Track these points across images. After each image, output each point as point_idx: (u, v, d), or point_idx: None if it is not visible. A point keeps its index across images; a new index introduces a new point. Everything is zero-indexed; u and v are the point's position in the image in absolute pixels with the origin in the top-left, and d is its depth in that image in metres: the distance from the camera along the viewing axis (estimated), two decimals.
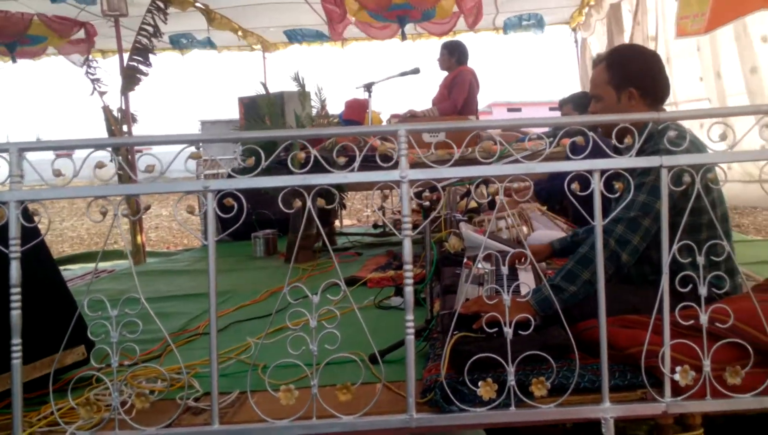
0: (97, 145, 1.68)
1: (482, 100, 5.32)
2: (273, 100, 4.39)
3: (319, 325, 1.59)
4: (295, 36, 7.71)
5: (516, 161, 1.63)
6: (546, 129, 3.53)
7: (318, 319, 1.59)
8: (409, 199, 1.66)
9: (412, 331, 1.61)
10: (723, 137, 1.40)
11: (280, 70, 8.51)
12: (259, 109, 4.45)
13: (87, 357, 2.06)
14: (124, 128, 5.12)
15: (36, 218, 1.72)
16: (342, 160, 1.67)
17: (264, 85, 4.41)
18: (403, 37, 6.35)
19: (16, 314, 1.61)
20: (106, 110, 5.07)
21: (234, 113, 6.29)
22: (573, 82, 7.77)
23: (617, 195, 1.51)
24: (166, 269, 4.29)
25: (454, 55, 4.89)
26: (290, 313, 1.58)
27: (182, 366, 1.67)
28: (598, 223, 1.52)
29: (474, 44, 5.21)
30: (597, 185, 1.51)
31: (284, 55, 8.45)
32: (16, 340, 1.61)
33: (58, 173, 1.62)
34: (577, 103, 3.53)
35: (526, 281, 2.03)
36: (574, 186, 1.51)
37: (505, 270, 1.59)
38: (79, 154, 1.82)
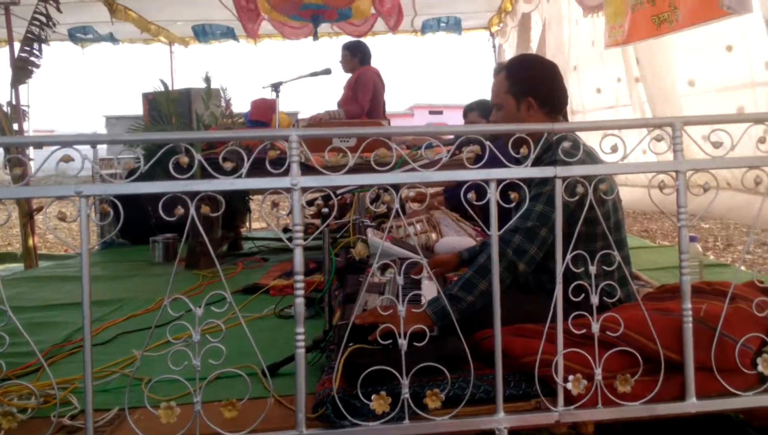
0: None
1: (403, 102, 5.35)
2: (176, 98, 4.16)
3: (204, 339, 1.49)
4: (203, 32, 7.41)
5: (412, 169, 1.58)
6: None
7: (204, 331, 1.49)
8: (300, 207, 1.58)
9: (302, 344, 1.53)
10: (614, 149, 1.40)
11: (189, 67, 8.17)
12: (160, 107, 4.20)
13: None
14: (15, 126, 4.72)
15: None
16: (228, 165, 1.56)
17: (163, 82, 4.16)
18: (315, 37, 6.21)
19: None
20: None
21: (138, 109, 5.94)
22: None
23: (514, 204, 1.49)
24: (57, 275, 4.00)
25: (356, 56, 4.84)
26: (173, 326, 1.50)
27: (53, 382, 1.53)
28: (494, 232, 1.49)
29: (394, 46, 5.19)
30: (493, 195, 1.48)
31: (194, 51, 8.14)
32: None
33: None
34: (483, 110, 3.54)
35: (429, 291, 1.98)
36: (471, 195, 1.48)
37: (400, 280, 1.54)
38: None
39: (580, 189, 1.45)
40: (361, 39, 5.65)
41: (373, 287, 2.13)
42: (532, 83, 1.89)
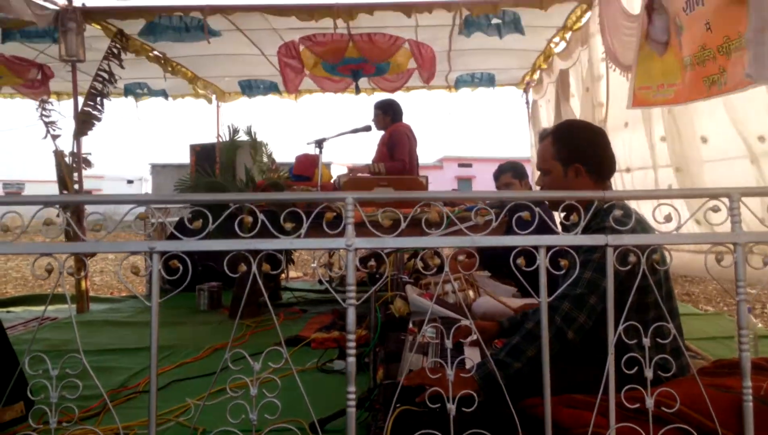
0: (47, 203, 1.57)
1: (433, 155, 5.37)
2: (229, 149, 4.28)
3: (259, 392, 1.50)
4: (248, 87, 7.67)
5: (461, 232, 1.58)
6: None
7: (259, 383, 1.50)
8: (354, 267, 1.59)
9: (353, 403, 1.52)
10: (668, 219, 1.38)
11: (232, 119, 8.43)
12: (215, 156, 4.35)
13: (26, 414, 2.00)
14: (75, 175, 4.90)
15: None
16: (289, 226, 1.60)
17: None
18: (357, 90, 6.37)
19: None
20: (58, 155, 4.86)
21: (184, 158, 6.11)
22: (524, 140, 7.96)
23: (563, 271, 1.46)
24: (109, 320, 4.08)
25: (388, 114, 4.93)
26: (231, 379, 1.52)
27: (119, 427, 1.54)
28: (544, 299, 1.47)
29: (426, 100, 5.27)
30: (543, 261, 1.46)
31: (237, 104, 8.39)
32: None
33: (5, 228, 1.52)
34: (517, 171, 3.53)
35: (471, 356, 1.95)
36: (520, 261, 1.47)
37: (449, 343, 1.52)
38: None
39: (632, 258, 1.42)
40: (392, 96, 5.79)
41: (417, 348, 2.10)
42: (581, 150, 1.88)
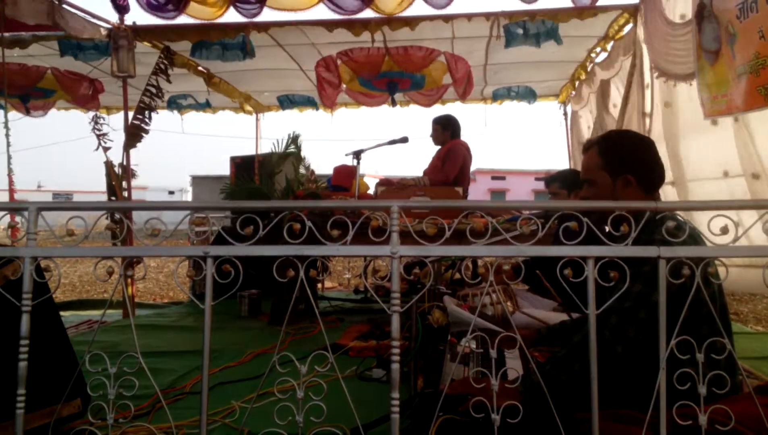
0: (109, 208, 1.63)
1: None
2: (269, 160, 4.33)
3: (305, 395, 1.54)
4: (287, 101, 7.77)
5: (506, 241, 1.55)
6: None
7: (305, 386, 1.55)
8: (399, 274, 1.58)
9: (397, 409, 1.52)
10: (724, 231, 1.32)
11: (270, 132, 8.56)
12: (253, 168, 4.42)
13: (83, 410, 2.06)
14: (124, 184, 5.03)
15: (47, 274, 1.75)
16: (335, 233, 1.60)
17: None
18: (393, 103, 6.37)
19: (23, 366, 1.61)
20: (109, 165, 5.00)
21: (223, 170, 6.20)
22: (561, 153, 7.82)
23: (612, 284, 1.42)
24: (155, 323, 4.16)
25: (447, 129, 4.85)
26: (278, 381, 1.56)
27: (172, 425, 1.65)
28: (592, 311, 1.43)
29: (460, 112, 5.23)
30: (591, 272, 1.42)
31: (275, 117, 8.52)
32: (21, 391, 1.60)
33: (71, 232, 1.61)
34: (566, 182, 3.44)
35: (514, 366, 1.90)
36: (567, 272, 1.43)
37: (493, 353, 1.49)
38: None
39: (685, 271, 1.37)
40: (442, 108, 5.73)
41: (455, 357, 2.07)
42: (630, 160, 1.82)
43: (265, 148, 8.10)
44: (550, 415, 1.45)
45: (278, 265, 1.67)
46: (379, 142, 4.12)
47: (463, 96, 5.70)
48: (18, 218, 1.71)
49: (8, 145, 5.72)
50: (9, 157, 5.76)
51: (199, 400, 1.64)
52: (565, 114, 7.61)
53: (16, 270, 1.69)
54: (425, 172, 4.77)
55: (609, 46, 5.15)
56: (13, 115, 6.93)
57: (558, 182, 3.47)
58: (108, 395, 1.59)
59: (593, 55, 5.64)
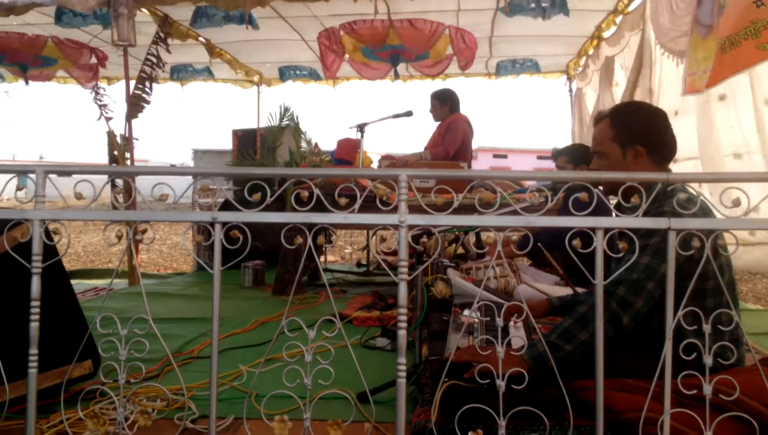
0: (116, 173, 1.63)
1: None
2: (275, 131, 4.30)
3: (313, 360, 1.58)
4: (288, 73, 7.69)
5: (515, 212, 1.55)
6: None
7: (313, 352, 1.58)
8: (407, 243, 1.59)
9: (403, 374, 1.55)
10: (737, 203, 1.31)
11: (272, 105, 8.48)
12: (255, 141, 4.39)
13: (93, 371, 2.10)
14: (126, 155, 5.02)
15: (55, 237, 1.75)
16: (343, 201, 1.61)
17: (282, 109, 4.29)
18: (396, 76, 6.30)
19: (34, 326, 1.64)
20: (111, 135, 4.99)
21: (224, 144, 6.18)
22: (564, 131, 7.74)
23: (620, 255, 1.42)
24: (161, 292, 4.19)
25: (446, 104, 4.80)
26: (286, 345, 1.61)
27: (183, 387, 1.68)
28: (599, 282, 1.43)
29: (464, 89, 5.16)
30: (600, 244, 1.42)
31: (277, 90, 8.43)
32: (34, 351, 1.64)
33: (79, 196, 1.66)
34: (573, 156, 3.43)
35: (517, 335, 1.92)
36: (576, 242, 1.43)
37: (500, 322, 1.51)
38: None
39: (695, 243, 1.37)
40: (443, 84, 5.68)
41: (461, 327, 2.10)
42: (642, 131, 1.80)
43: (264, 121, 8.04)
44: (553, 383, 1.48)
45: (286, 232, 1.68)
46: (383, 116, 4.10)
47: (465, 68, 5.64)
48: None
49: None
50: None
51: (207, 364, 1.69)
52: (571, 90, 7.49)
53: (25, 232, 1.70)
54: (427, 147, 4.75)
55: (618, 20, 5.07)
56: (12, 85, 6.88)
57: (565, 156, 3.46)
58: (119, 356, 1.63)
59: (602, 28, 5.55)
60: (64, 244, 1.78)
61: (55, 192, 1.77)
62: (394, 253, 5.44)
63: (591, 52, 6.09)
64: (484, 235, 1.64)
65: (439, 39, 5.30)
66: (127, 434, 1.64)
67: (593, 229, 1.44)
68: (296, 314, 3.29)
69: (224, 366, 2.31)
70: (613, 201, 1.64)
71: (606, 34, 5.51)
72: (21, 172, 1.79)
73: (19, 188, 1.75)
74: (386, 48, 5.74)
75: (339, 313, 3.29)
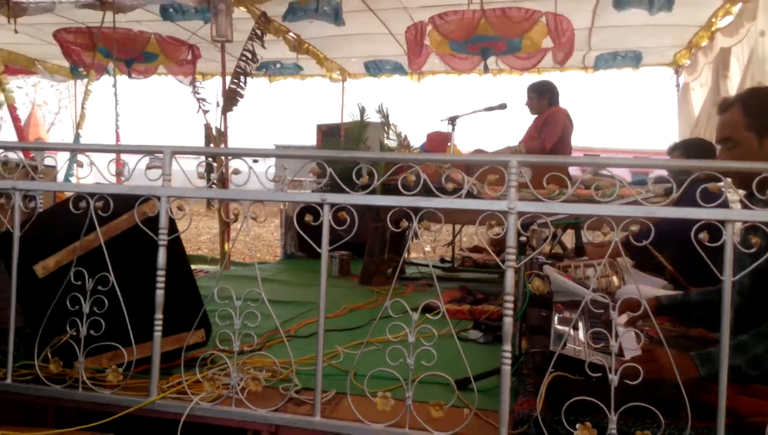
0: (234, 154, 1.79)
1: None
2: (359, 127, 4.41)
3: (416, 342, 1.69)
4: (374, 67, 7.80)
5: (635, 203, 1.53)
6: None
7: (416, 332, 1.70)
8: (515, 230, 1.62)
9: (508, 361, 1.62)
10: None
11: (357, 99, 8.62)
12: (339, 136, 4.54)
13: (205, 340, 2.29)
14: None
15: (179, 213, 1.95)
16: (451, 185, 1.66)
17: (360, 109, 4.41)
18: (485, 69, 6.23)
19: (160, 293, 1.86)
20: (207, 128, 5.30)
21: (305, 140, 6.38)
22: (665, 130, 7.34)
23: (751, 250, 1.38)
24: (253, 276, 4.36)
25: (545, 97, 4.71)
26: (390, 326, 1.71)
27: (292, 360, 1.87)
28: (728, 277, 1.40)
29: (556, 82, 5.00)
30: (730, 238, 1.39)
31: (362, 85, 8.57)
32: (159, 315, 1.85)
33: (202, 176, 1.80)
34: (688, 150, 3.28)
35: (627, 336, 1.91)
36: (703, 235, 1.40)
37: (614, 315, 1.51)
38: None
39: None
40: (535, 79, 5.56)
41: (563, 322, 2.09)
42: None
43: (348, 116, 8.20)
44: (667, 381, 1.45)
45: (392, 216, 1.75)
46: (475, 109, 4.11)
47: (563, 62, 5.49)
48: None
49: (116, 103, 6.17)
50: (117, 115, 6.21)
51: (303, 343, 1.80)
52: (677, 85, 7.09)
53: (153, 207, 1.87)
54: (522, 142, 4.68)
55: (735, 9, 4.79)
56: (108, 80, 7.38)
57: (680, 150, 3.33)
58: (234, 326, 1.79)
59: (715, 19, 5.26)
60: (187, 219, 1.94)
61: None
62: (479, 250, 5.43)
63: (703, 43, 5.75)
64: (589, 235, 1.65)
65: (533, 26, 5.18)
66: (240, 397, 1.81)
67: (722, 222, 1.41)
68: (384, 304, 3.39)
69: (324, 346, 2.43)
70: (733, 196, 1.59)
71: (721, 24, 5.21)
72: (149, 152, 1.96)
73: (148, 167, 1.92)
74: (476, 40, 5.69)
75: (427, 305, 3.35)
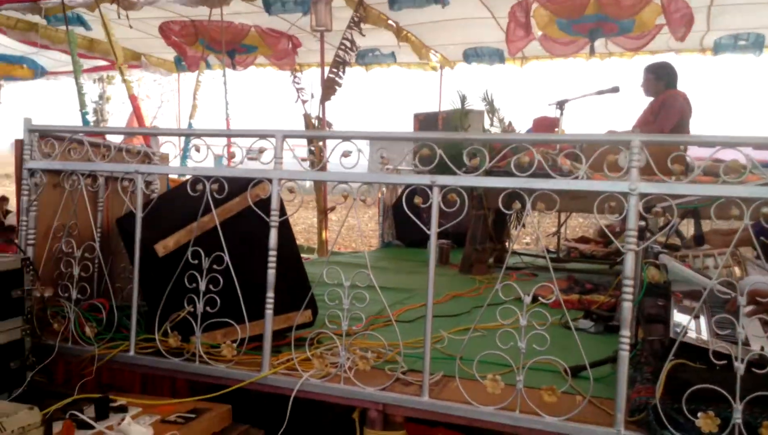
0: (344, 136, 1.85)
1: None
2: (460, 115, 4.40)
3: (527, 327, 1.71)
4: (473, 54, 7.70)
5: None
6: None
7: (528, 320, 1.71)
8: (636, 212, 1.58)
9: (626, 347, 1.61)
10: None
11: (453, 88, 8.55)
12: (437, 124, 4.55)
13: (312, 321, 2.39)
14: None
15: (290, 195, 1.99)
16: (566, 165, 1.63)
17: (461, 96, 4.41)
18: (591, 52, 5.99)
19: (271, 273, 1.95)
20: (307, 117, 5.49)
21: (404, 129, 6.44)
22: None
23: None
24: (351, 262, 4.50)
25: (662, 79, 4.48)
26: (500, 310, 1.75)
27: (400, 342, 1.94)
28: None
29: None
30: None
31: (460, 72, 8.48)
32: (271, 294, 1.95)
33: (306, 159, 1.86)
34: None
35: (754, 328, 1.81)
36: None
37: (741, 301, 1.45)
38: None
39: None
40: (648, 61, 5.29)
41: (683, 310, 2.01)
42: None
43: (445, 105, 8.17)
44: None
45: (504, 197, 1.75)
46: (586, 93, 4.00)
47: (683, 37, 5.15)
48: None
49: (226, 92, 6.52)
50: (227, 104, 6.58)
51: (405, 327, 1.86)
52: None
53: (265, 189, 1.97)
54: (635, 125, 4.48)
55: None
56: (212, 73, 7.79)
57: None
58: (343, 305, 1.87)
59: None
60: (297, 202, 2.03)
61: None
62: (586, 240, 5.26)
63: None
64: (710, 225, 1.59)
65: (647, 5, 4.93)
66: (348, 375, 1.88)
67: None
68: (486, 292, 3.39)
69: (421, 331, 2.46)
70: None
71: None
72: (262, 135, 2.07)
73: (260, 151, 2.01)
74: (585, 19, 5.50)
75: (534, 293, 3.30)
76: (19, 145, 2.46)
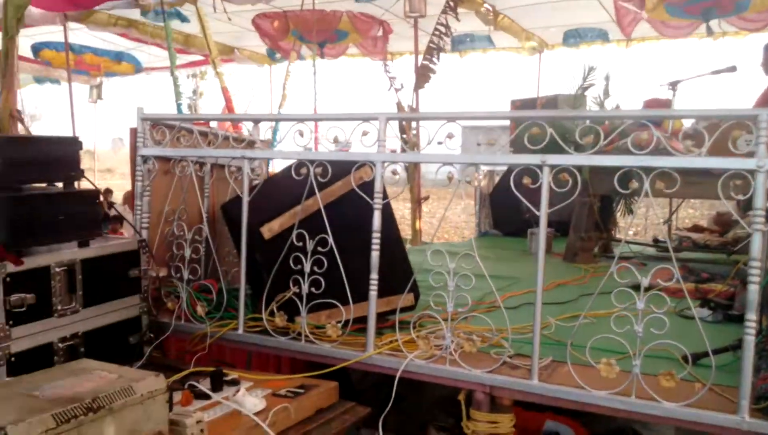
0: (449, 118, 1.88)
1: None
2: (575, 97, 4.28)
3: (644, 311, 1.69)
4: (574, 36, 7.45)
5: None
6: None
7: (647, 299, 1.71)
8: (764, 191, 1.51)
9: (752, 331, 1.58)
10: None
11: (552, 73, 8.29)
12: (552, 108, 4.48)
13: (414, 304, 2.44)
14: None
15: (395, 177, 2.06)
16: (689, 142, 1.58)
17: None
18: (708, 32, 5.66)
19: (375, 255, 2.01)
20: (399, 106, 5.53)
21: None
22: None
23: None
24: (451, 251, 4.47)
25: None
26: (615, 293, 1.72)
27: (508, 327, 1.95)
28: None
29: None
30: None
31: (557, 56, 8.23)
32: (375, 276, 2.01)
33: (407, 140, 1.91)
34: None
35: None
36: None
37: None
38: None
39: None
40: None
41: None
42: None
43: (544, 90, 7.91)
44: None
45: (620, 176, 1.71)
46: (700, 73, 3.79)
47: None
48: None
49: (315, 82, 6.69)
50: (315, 94, 6.76)
51: (508, 313, 1.87)
52: None
53: (368, 172, 2.03)
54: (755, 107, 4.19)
55: None
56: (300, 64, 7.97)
57: None
58: (448, 287, 1.90)
59: None
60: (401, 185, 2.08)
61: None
62: (699, 229, 4.99)
63: None
64: None
65: None
66: (453, 357, 1.91)
67: None
68: (592, 281, 3.30)
69: (525, 318, 2.41)
70: None
71: None
72: (365, 118, 2.13)
73: (364, 133, 2.07)
74: (697, 0, 5.22)
75: (653, 277, 3.18)
76: (133, 133, 2.65)
